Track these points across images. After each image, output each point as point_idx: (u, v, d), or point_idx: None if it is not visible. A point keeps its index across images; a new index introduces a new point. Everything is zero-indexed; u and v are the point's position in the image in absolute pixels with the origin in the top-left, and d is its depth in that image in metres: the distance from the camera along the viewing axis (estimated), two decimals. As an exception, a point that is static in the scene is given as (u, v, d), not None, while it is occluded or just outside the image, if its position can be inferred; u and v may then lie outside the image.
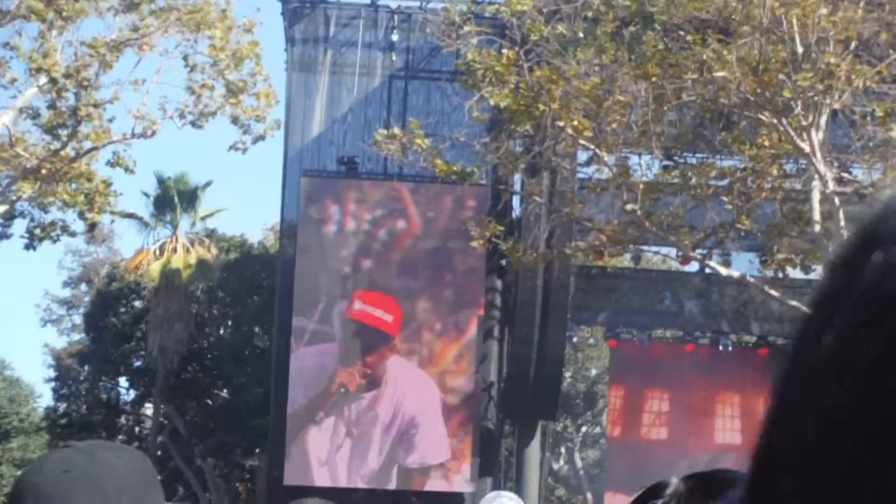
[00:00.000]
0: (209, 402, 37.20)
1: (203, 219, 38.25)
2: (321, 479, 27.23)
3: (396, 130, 22.28)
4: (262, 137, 26.43)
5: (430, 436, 27.36)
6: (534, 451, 29.68)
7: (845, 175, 20.57)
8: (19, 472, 2.51)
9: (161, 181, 37.47)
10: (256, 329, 36.05)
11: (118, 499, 2.42)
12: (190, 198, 37.40)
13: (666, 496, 1.88)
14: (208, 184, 38.42)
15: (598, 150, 20.59)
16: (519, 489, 29.36)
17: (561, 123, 19.79)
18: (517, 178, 25.28)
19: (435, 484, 27.34)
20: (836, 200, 19.50)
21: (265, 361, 31.14)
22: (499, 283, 28.00)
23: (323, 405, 27.27)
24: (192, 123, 26.13)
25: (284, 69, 28.54)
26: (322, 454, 27.14)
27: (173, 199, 37.14)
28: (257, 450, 35.19)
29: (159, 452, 37.10)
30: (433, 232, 27.67)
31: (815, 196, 19.98)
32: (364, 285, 27.70)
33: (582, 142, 20.48)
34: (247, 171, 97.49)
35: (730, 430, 33.78)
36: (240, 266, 37.20)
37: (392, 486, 27.33)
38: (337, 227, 27.75)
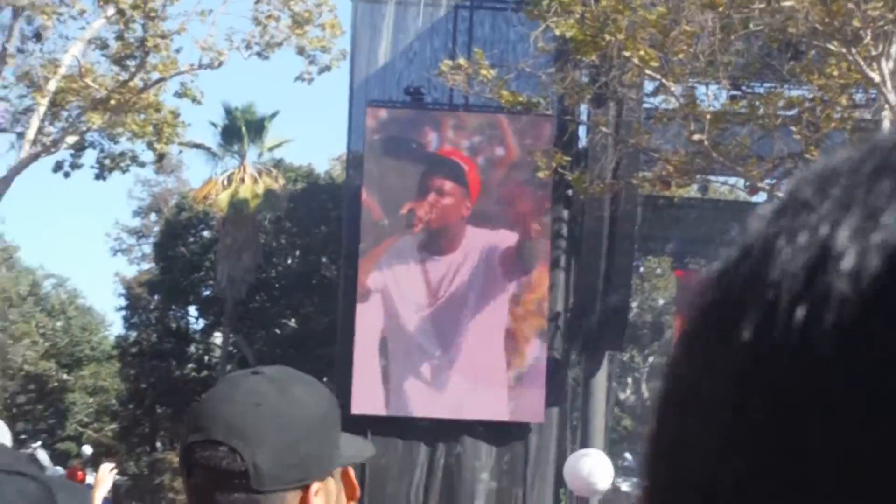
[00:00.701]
0: (277, 331, 37.52)
1: (270, 149, 38.39)
2: (387, 408, 27.42)
3: (462, 61, 22.21)
4: (327, 68, 26.47)
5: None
6: (600, 381, 29.75)
7: (916, 104, 20.29)
8: (203, 396, 2.42)
9: (228, 112, 37.60)
10: (324, 259, 36.25)
11: (308, 439, 2.36)
12: (257, 128, 37.52)
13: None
14: (275, 114, 38.54)
15: (664, 81, 20.44)
16: (585, 419, 29.49)
17: (627, 53, 19.64)
18: (583, 108, 25.16)
19: (500, 412, 27.45)
20: (908, 129, 19.29)
21: (332, 291, 31.32)
22: (565, 214, 27.96)
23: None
24: (259, 54, 26.22)
25: (350, -1, 28.50)
26: (385, 381, 27.30)
27: (241, 129, 37.26)
28: (325, 378, 35.48)
29: (229, 381, 37.47)
30: (502, 162, 27.64)
31: (886, 126, 19.78)
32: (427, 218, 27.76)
33: (648, 72, 20.34)
34: (313, 101, 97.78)
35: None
36: (307, 196, 37.34)
37: (460, 415, 27.47)
38: (406, 156, 27.78)
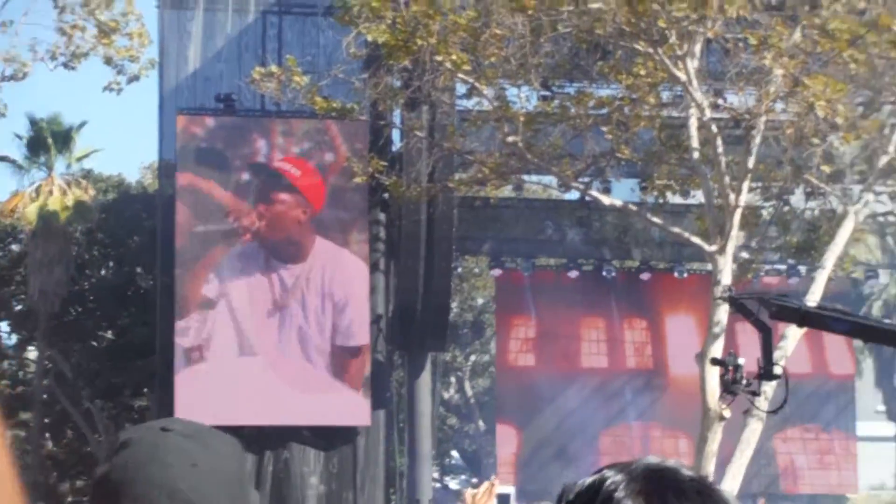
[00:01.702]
0: (94, 343, 36.81)
1: (79, 160, 37.61)
2: (210, 417, 27.07)
3: (274, 68, 22.01)
4: (136, 77, 26.07)
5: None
6: (424, 382, 29.84)
7: (720, 102, 20.73)
8: (119, 462, 2.21)
9: (34, 123, 36.74)
10: (138, 269, 35.68)
11: (241, 493, 2.25)
12: (64, 139, 36.74)
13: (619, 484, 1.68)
14: (83, 124, 37.76)
15: (476, 84, 20.54)
16: (411, 420, 29.56)
17: (439, 58, 19.69)
18: (397, 113, 25.17)
19: (327, 417, 27.33)
20: (713, 127, 19.68)
21: (149, 301, 30.85)
22: (383, 217, 27.96)
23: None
24: (65, 65, 25.68)
25: (156, 7, 28.07)
26: (209, 391, 26.97)
27: (47, 140, 36.48)
28: (145, 389, 34.95)
29: (45, 396, 36.71)
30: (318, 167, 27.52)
31: (693, 123, 20.15)
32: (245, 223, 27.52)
33: (460, 75, 20.41)
34: (123, 110, 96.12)
35: (631, 354, 34.26)
36: (119, 206, 36.71)
37: (284, 421, 27.28)
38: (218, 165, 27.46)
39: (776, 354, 17.94)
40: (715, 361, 16.84)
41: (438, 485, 45.30)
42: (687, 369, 32.81)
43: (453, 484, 50.12)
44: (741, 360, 10.82)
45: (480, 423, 47.01)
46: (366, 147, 25.94)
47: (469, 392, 47.56)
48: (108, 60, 25.55)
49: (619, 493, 1.68)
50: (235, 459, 2.28)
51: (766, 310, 9.26)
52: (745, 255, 22.44)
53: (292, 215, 27.42)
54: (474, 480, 49.06)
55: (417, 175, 23.50)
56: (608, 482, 1.70)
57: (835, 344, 32.26)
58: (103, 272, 36.82)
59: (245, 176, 27.45)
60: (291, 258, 27.45)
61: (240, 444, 2.32)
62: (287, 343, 27.43)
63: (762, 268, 27.68)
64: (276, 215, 27.42)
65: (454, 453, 50.20)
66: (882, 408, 51.63)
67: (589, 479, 1.74)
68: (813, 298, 19.86)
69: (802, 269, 27.83)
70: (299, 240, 27.47)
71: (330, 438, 27.63)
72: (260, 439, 27.24)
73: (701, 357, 20.13)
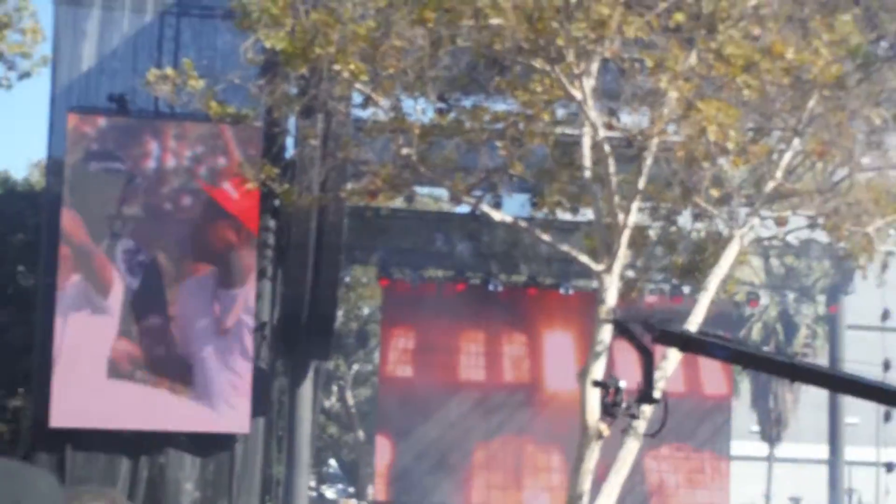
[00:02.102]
0: (-30, 342, 36.20)
1: (-36, 155, 37.14)
2: (88, 420, 26.79)
3: (169, 71, 21.86)
4: (28, 74, 25.74)
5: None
6: (306, 390, 29.78)
7: (614, 122, 20.99)
8: None
9: (-81, 115, 36.20)
10: (20, 268, 35.16)
11: None
12: (-50, 133, 36.23)
13: None
14: (-31, 117, 37.26)
15: (373, 94, 20.57)
16: (291, 428, 29.46)
17: (337, 67, 19.70)
18: (292, 120, 25.11)
19: (207, 424, 27.16)
20: (606, 146, 19.92)
21: (30, 301, 30.43)
22: (272, 224, 27.87)
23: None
24: (-47, 59, 25.27)
25: (52, 2, 27.74)
26: (86, 394, 26.67)
27: (-68, 133, 35.95)
28: (20, 390, 34.43)
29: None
30: (207, 172, 27.36)
31: (586, 142, 20.39)
32: (132, 225, 27.28)
33: (358, 85, 20.44)
34: (11, 106, 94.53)
35: (509, 369, 34.46)
36: (3, 203, 36.17)
37: (163, 426, 27.07)
38: (108, 166, 27.19)
39: (657, 374, 18.23)
40: (596, 384, 17.06)
41: (315, 493, 45.19)
42: (564, 385, 33.16)
43: (330, 493, 50.06)
44: (622, 384, 10.98)
45: (360, 432, 47.01)
46: (259, 153, 25.84)
47: (350, 401, 47.54)
48: (-2, 55, 25.24)
49: None
50: (57, 497, 2.29)
51: (648, 334, 9.43)
52: (630, 273, 22.72)
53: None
54: (351, 490, 49.05)
55: (309, 183, 23.47)
56: None
57: (711, 364, 32.75)
58: (-17, 270, 36.22)
59: (130, 177, 27.21)
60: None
61: (57, 482, 2.34)
62: (171, 347, 27.23)
63: (647, 287, 28.06)
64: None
65: (332, 462, 50.14)
66: (756, 428, 52.53)
67: None
68: (695, 320, 20.18)
69: (687, 289, 28.23)
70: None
71: (208, 445, 27.46)
72: (136, 443, 27.00)
73: (582, 375, 20.35)
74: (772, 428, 51.97)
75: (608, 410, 11.42)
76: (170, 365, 27.05)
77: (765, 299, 37.88)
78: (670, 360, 19.39)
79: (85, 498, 2.57)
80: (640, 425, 15.72)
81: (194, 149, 27.30)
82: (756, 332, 48.00)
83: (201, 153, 27.29)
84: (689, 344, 9.89)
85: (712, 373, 34.02)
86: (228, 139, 27.02)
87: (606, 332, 19.43)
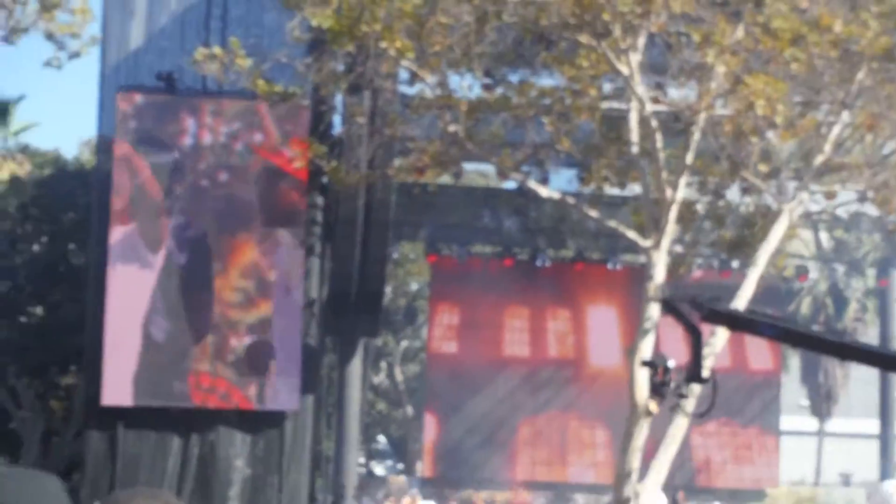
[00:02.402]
0: (23, 319, 36.51)
1: (16, 134, 37.34)
2: (137, 398, 26.99)
3: (217, 50, 21.93)
4: (77, 54, 25.88)
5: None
6: (355, 367, 29.93)
7: (661, 96, 20.90)
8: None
9: (-29, 97, 36.49)
10: (72, 246, 35.42)
11: None
12: (2, 113, 36.47)
13: None
14: (21, 99, 37.52)
15: (419, 71, 20.58)
16: (340, 406, 29.64)
17: (384, 44, 19.72)
18: (339, 98, 25.15)
19: (258, 401, 27.31)
20: (653, 121, 19.86)
21: (81, 279, 30.65)
22: (321, 202, 27.94)
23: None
24: (4, 39, 25.45)
25: (101, -17, 27.89)
26: (137, 372, 26.87)
27: (-17, 114, 36.22)
28: (73, 367, 34.72)
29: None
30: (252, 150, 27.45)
31: (633, 117, 20.33)
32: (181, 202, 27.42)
33: (404, 62, 20.45)
34: (62, 86, 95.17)
35: (554, 344, 34.48)
36: (54, 182, 36.42)
37: (214, 404, 27.23)
38: (156, 144, 27.33)
39: (705, 351, 18.20)
40: (645, 363, 17.01)
41: (364, 470, 45.38)
42: (610, 360, 33.16)
43: (379, 469, 50.22)
44: (671, 362, 10.94)
45: (409, 408, 47.15)
46: (306, 131, 25.91)
47: (399, 378, 47.66)
48: (49, 36, 25.36)
49: None
50: (63, 501, 2.39)
51: (696, 312, 9.40)
52: (679, 248, 22.65)
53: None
54: (400, 466, 49.20)
55: (357, 160, 23.52)
56: None
57: (758, 340, 32.66)
58: (36, 248, 36.51)
59: (180, 155, 27.34)
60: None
61: (62, 486, 2.44)
62: (222, 326, 27.38)
63: (695, 262, 27.99)
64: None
65: (381, 438, 50.31)
66: (806, 403, 52.32)
67: None
68: (744, 295, 20.11)
69: (736, 264, 28.14)
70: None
71: (258, 422, 27.61)
72: (187, 421, 27.18)
73: (630, 353, 20.34)
74: (822, 403, 51.76)
75: (657, 389, 11.39)
76: (224, 343, 27.19)
77: (814, 273, 37.69)
78: (719, 336, 19.31)
79: (139, 500, 2.64)
80: (689, 404, 15.68)
81: (242, 127, 27.38)
82: (805, 307, 47.79)
83: (249, 131, 27.38)
84: (737, 323, 9.85)
85: (760, 348, 33.93)
86: (275, 117, 27.09)
87: (655, 309, 19.38)
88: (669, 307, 11.27)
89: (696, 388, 13.88)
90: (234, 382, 27.11)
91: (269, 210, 27.35)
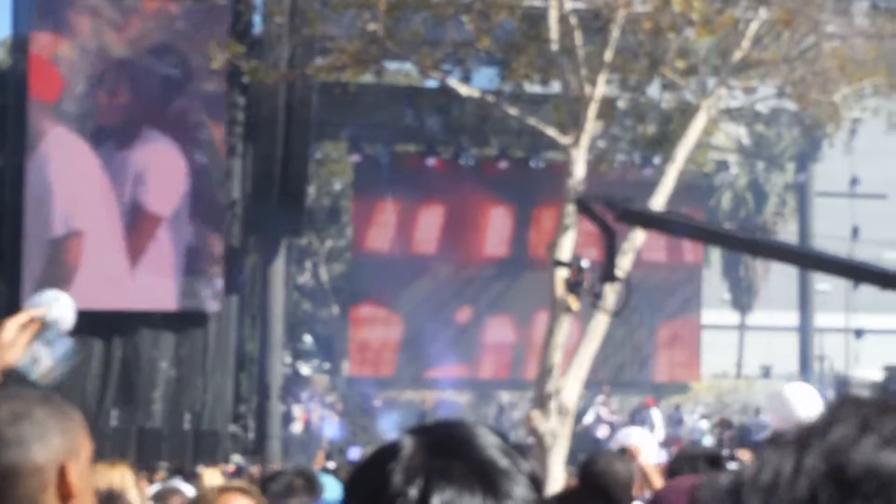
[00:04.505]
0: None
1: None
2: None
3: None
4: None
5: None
6: (279, 267, 29.89)
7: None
8: None
9: None
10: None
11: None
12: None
13: (401, 460, 1.76)
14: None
15: (336, -32, 20.38)
16: (263, 305, 29.62)
17: (301, -59, 19.51)
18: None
19: (180, 302, 27.28)
20: (573, 19, 19.83)
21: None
22: (241, 101, 27.74)
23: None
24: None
25: None
26: (57, 273, 26.71)
27: None
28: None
29: None
30: (174, 51, 27.17)
31: (553, 14, 20.26)
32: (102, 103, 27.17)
33: (321, -40, 20.25)
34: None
35: (477, 242, 34.63)
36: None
37: (136, 305, 27.17)
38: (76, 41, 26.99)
39: (625, 246, 18.35)
40: (557, 263, 17.13)
41: (290, 370, 45.52)
42: (533, 258, 33.38)
43: (305, 369, 50.39)
44: (585, 262, 11.01)
45: (335, 308, 47.26)
46: (226, 31, 25.67)
47: (324, 277, 47.72)
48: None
49: (406, 453, 1.78)
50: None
51: (611, 211, 9.45)
52: (601, 144, 22.74)
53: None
54: (326, 366, 49.42)
55: (277, 60, 23.32)
56: (402, 445, 1.80)
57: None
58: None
59: (98, 52, 27.03)
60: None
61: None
62: (140, 228, 27.27)
63: (617, 159, 28.12)
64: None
65: (307, 338, 50.42)
66: (728, 296, 53.02)
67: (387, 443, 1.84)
68: (664, 191, 20.25)
69: (657, 160, 28.32)
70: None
71: (182, 323, 27.59)
72: (110, 323, 27.07)
73: (550, 250, 20.44)
74: (743, 296, 52.48)
75: (572, 289, 11.51)
76: (143, 245, 27.09)
77: (734, 169, 38.05)
78: (638, 234, 19.46)
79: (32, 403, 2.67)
80: (608, 301, 15.82)
81: (161, 27, 27.07)
82: (726, 202, 48.27)
83: (169, 31, 27.08)
84: (651, 222, 9.96)
85: (680, 243, 34.21)
86: (194, 17, 26.80)
87: (573, 208, 19.45)
88: (584, 207, 11.36)
89: (611, 287, 14.05)
90: (156, 283, 27.04)
91: (189, 110, 27.13)
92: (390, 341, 34.36)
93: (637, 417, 30.56)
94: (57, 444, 2.65)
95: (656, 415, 30.86)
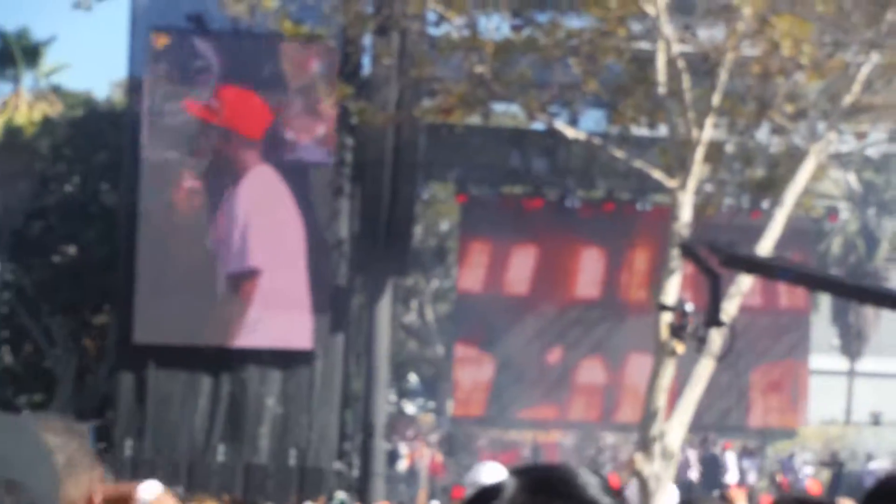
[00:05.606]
0: (56, 259, 36.81)
1: (47, 75, 37.47)
2: (167, 336, 27.22)
3: (244, -9, 21.96)
4: (106, -5, 25.98)
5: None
6: (384, 306, 30.07)
7: (689, 37, 20.81)
8: None
9: (2, 37, 36.55)
10: (104, 186, 35.64)
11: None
12: (33, 54, 36.59)
13: (503, 500, 1.82)
14: (52, 40, 37.63)
15: (446, 12, 20.56)
16: (369, 344, 29.81)
17: (411, -16, 19.70)
18: (367, 39, 25.15)
19: (283, 339, 27.51)
20: (681, 62, 19.80)
21: (113, 218, 30.88)
22: (350, 142, 28.02)
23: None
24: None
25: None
26: (169, 311, 27.07)
27: (14, 55, 36.31)
28: (105, 306, 35.02)
29: (5, 310, 36.74)
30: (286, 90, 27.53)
31: (661, 57, 20.25)
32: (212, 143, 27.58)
33: (431, 3, 20.42)
34: (92, 27, 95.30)
35: (585, 284, 34.55)
36: (86, 122, 36.58)
37: (243, 342, 27.45)
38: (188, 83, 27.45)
39: (731, 290, 18.23)
40: (663, 307, 17.02)
41: (395, 408, 45.67)
42: (639, 301, 33.19)
43: (410, 408, 50.53)
44: (689, 306, 10.96)
45: (439, 348, 47.35)
46: (335, 73, 25.97)
47: (430, 317, 47.85)
48: (78, -24, 25.47)
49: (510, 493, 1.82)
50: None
51: (715, 256, 9.44)
52: (708, 188, 22.62)
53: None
54: (431, 405, 49.51)
55: (385, 101, 23.55)
56: (505, 485, 1.85)
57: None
58: (68, 188, 36.74)
59: (209, 96, 27.45)
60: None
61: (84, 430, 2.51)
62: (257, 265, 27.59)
63: (724, 203, 27.93)
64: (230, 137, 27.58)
65: (412, 377, 50.57)
66: (837, 342, 52.32)
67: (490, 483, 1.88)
68: (771, 235, 20.11)
69: (766, 204, 28.08)
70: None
71: (288, 360, 27.83)
72: (218, 359, 27.41)
73: (656, 293, 20.36)
74: (852, 342, 51.75)
75: (675, 333, 11.45)
76: (256, 282, 27.40)
77: (845, 214, 37.60)
78: (743, 282, 19.32)
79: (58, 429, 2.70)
80: (713, 345, 15.72)
81: (271, 68, 27.44)
82: (836, 247, 47.69)
83: (278, 72, 27.43)
84: (754, 267, 9.93)
85: (789, 287, 33.85)
86: (303, 58, 27.13)
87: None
88: (688, 251, 11.36)
89: (716, 331, 13.98)
90: (265, 321, 27.31)
91: (299, 151, 27.45)
92: (483, 381, 34.36)
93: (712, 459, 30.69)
94: (86, 481, 2.71)
95: (731, 458, 30.81)
